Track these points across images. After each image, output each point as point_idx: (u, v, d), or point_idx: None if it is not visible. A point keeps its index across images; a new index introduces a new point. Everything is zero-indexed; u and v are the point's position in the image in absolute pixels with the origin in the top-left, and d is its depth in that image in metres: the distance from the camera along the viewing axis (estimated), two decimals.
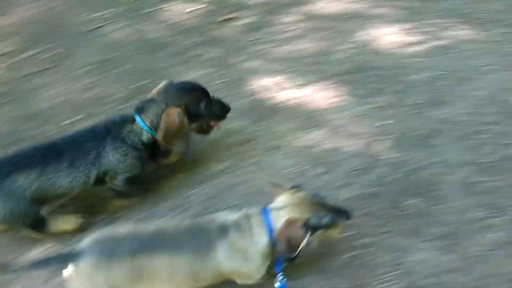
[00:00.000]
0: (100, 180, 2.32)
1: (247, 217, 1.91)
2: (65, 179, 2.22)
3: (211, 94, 2.41)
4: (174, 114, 2.25)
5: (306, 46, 3.39)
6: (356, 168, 2.60)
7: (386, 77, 3.12)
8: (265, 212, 1.90)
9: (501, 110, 2.82)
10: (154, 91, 2.37)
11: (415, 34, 3.40)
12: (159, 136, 2.30)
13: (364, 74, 3.16)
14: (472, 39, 3.35)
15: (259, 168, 2.64)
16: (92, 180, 2.28)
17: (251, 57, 3.36)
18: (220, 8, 3.76)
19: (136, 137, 2.30)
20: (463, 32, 3.41)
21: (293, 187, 1.96)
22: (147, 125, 2.30)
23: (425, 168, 2.58)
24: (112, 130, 2.28)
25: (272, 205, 1.93)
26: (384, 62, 3.24)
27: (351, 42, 3.41)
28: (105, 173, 2.30)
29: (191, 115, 2.33)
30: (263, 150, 2.74)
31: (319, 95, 3.03)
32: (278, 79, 3.18)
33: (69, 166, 2.21)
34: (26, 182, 2.16)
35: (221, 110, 2.46)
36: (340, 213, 1.93)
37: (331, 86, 3.08)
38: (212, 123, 2.48)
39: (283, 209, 1.87)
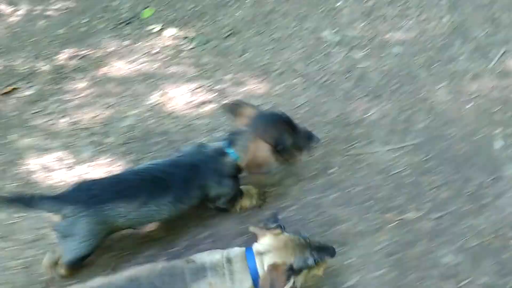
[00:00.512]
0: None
1: (229, 261, 1.87)
2: (165, 211, 2.23)
3: (297, 124, 2.48)
4: (263, 149, 2.33)
5: (91, 115, 3.16)
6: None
7: (173, 142, 2.97)
8: (250, 256, 1.89)
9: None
10: (242, 120, 2.43)
11: (208, 92, 3.31)
12: (243, 163, 2.36)
13: (150, 141, 2.97)
14: (265, 93, 3.31)
15: None
16: (190, 207, 2.32)
17: (28, 133, 3.06)
18: (4, 79, 3.43)
19: (232, 168, 2.36)
20: (258, 86, 3.38)
21: (276, 227, 1.95)
22: (240, 157, 2.35)
23: None
24: (209, 164, 2.32)
25: (256, 248, 1.91)
26: (173, 126, 3.08)
27: (141, 106, 3.23)
28: (208, 200, 2.37)
29: (278, 147, 2.37)
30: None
31: (97, 171, 2.79)
32: (55, 156, 2.90)
33: (174, 201, 2.23)
34: (124, 211, 2.12)
35: (307, 141, 2.50)
36: (324, 251, 1.95)
37: (110, 159, 2.86)
38: (296, 154, 2.49)
39: (267, 253, 1.87)
